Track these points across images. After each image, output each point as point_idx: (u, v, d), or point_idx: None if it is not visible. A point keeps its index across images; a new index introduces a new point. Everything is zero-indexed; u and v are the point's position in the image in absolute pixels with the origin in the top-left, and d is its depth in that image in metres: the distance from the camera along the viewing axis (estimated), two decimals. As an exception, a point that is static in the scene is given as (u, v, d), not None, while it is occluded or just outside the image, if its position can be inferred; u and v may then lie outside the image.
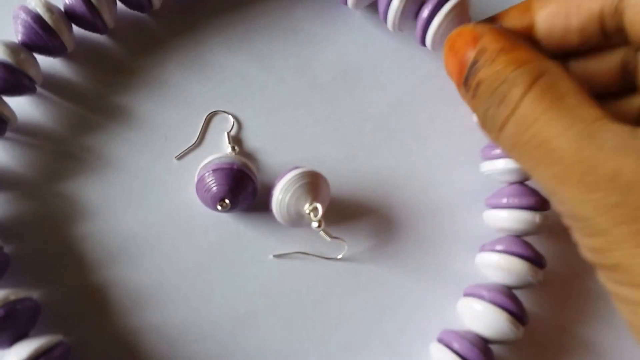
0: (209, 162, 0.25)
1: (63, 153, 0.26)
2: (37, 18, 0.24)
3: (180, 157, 0.27)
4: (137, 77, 0.27)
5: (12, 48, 0.24)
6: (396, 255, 0.26)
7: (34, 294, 0.23)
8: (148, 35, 0.28)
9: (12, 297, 0.22)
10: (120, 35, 0.27)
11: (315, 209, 0.24)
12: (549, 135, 0.18)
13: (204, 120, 0.27)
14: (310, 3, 0.29)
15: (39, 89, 0.26)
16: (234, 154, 0.26)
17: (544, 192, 0.19)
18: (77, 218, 0.26)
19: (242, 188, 0.25)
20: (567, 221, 0.19)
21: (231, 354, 0.25)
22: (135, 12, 0.27)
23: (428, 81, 0.28)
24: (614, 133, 0.17)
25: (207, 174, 0.24)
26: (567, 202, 0.18)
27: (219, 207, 0.24)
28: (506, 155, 0.23)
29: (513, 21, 0.23)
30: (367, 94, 0.28)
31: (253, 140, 0.27)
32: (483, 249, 0.25)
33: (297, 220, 0.25)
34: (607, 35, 0.21)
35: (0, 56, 0.24)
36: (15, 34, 0.25)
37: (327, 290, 0.26)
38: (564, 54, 0.23)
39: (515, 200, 0.24)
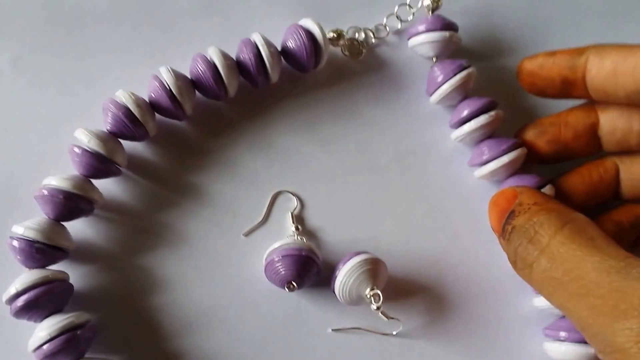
0: (279, 247, 0.26)
1: (142, 228, 0.27)
2: (127, 112, 0.25)
3: (247, 234, 0.28)
4: (209, 157, 0.28)
5: (103, 139, 0.25)
6: (449, 334, 0.27)
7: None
8: (220, 118, 0.29)
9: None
10: (195, 119, 0.29)
11: (376, 296, 0.25)
12: (583, 270, 0.19)
13: (269, 199, 0.28)
14: (370, 89, 0.30)
15: (123, 170, 0.28)
16: (298, 235, 0.27)
17: (577, 326, 0.19)
18: (153, 290, 0.27)
19: (308, 272, 0.26)
20: (603, 357, 0.19)
21: None
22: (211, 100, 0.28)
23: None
24: None
25: (276, 259, 0.25)
26: (601, 333, 0.18)
27: (287, 289, 0.25)
28: (537, 292, 0.25)
29: (579, 117, 0.27)
30: (421, 176, 0.29)
31: (314, 219, 0.28)
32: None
33: (357, 302, 0.26)
34: None
35: (93, 147, 0.25)
36: (104, 124, 0.26)
37: (381, 365, 0.27)
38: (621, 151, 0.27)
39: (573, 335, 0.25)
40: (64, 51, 0.29)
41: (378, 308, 0.25)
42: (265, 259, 0.26)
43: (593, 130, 0.27)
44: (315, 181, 0.29)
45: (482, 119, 0.27)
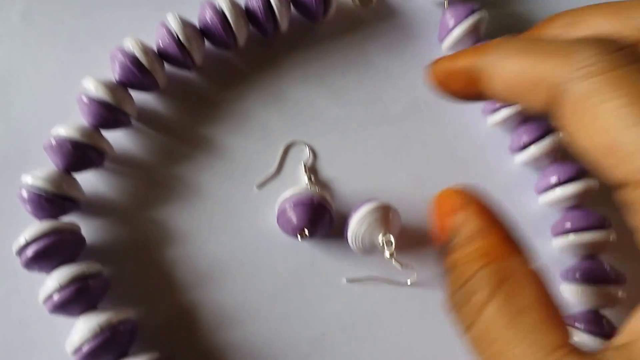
0: (291, 196, 0.25)
1: (154, 181, 0.27)
2: (134, 60, 0.25)
3: (260, 186, 0.27)
4: (220, 109, 0.28)
5: (110, 88, 0.25)
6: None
7: (131, 314, 0.24)
8: (231, 70, 0.28)
9: (114, 320, 0.23)
10: (206, 70, 0.28)
11: (389, 242, 0.24)
12: None
13: (281, 150, 0.28)
14: (381, 38, 0.29)
15: (133, 122, 0.27)
16: (311, 186, 0.27)
17: None
18: (167, 243, 0.26)
19: (320, 219, 0.25)
20: None
21: (309, 375, 0.25)
22: (221, 50, 0.28)
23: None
24: None
25: (288, 207, 0.25)
26: None
27: (299, 237, 0.25)
28: None
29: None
30: (434, 125, 0.28)
31: (327, 170, 0.28)
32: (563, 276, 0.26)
33: (371, 250, 0.25)
34: None
35: (100, 96, 0.25)
36: (112, 73, 0.26)
37: (397, 315, 0.26)
38: None
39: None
40: (74, 4, 0.29)
41: (391, 255, 0.25)
42: (277, 208, 0.26)
43: None
44: (328, 132, 0.28)
45: None
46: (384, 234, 0.24)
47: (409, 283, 0.26)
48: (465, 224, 0.19)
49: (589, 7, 0.21)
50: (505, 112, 0.26)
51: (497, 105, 0.26)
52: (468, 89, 0.20)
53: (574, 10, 0.21)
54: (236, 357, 0.25)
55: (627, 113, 0.15)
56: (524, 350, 0.15)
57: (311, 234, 0.25)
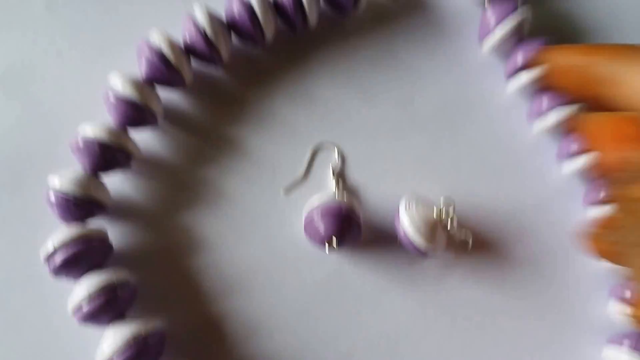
0: (318, 205, 0.24)
1: (180, 184, 0.26)
2: (161, 56, 0.23)
3: (287, 192, 0.26)
4: (247, 109, 0.27)
5: (137, 85, 0.23)
6: (505, 289, 0.25)
7: (160, 325, 0.23)
8: (258, 67, 0.27)
9: (144, 332, 0.22)
10: (233, 67, 0.27)
11: (448, 204, 0.24)
12: None
13: (309, 152, 0.26)
14: (411, 35, 0.27)
15: (159, 121, 0.26)
16: (339, 192, 0.25)
17: None
18: (193, 249, 0.25)
19: (348, 229, 0.24)
20: None
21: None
22: (248, 46, 0.26)
23: (527, 119, 0.27)
24: None
25: (316, 217, 0.24)
26: None
27: (326, 248, 0.24)
28: None
29: None
30: (466, 129, 0.27)
31: (356, 175, 0.26)
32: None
33: (434, 229, 0.24)
34: None
35: (128, 94, 0.23)
36: (139, 68, 0.24)
37: (428, 331, 0.25)
38: None
39: None
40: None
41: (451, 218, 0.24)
42: (305, 217, 0.25)
43: None
44: (356, 135, 0.27)
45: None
46: (442, 203, 0.24)
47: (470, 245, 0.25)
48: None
49: None
50: (556, 116, 0.25)
51: (546, 107, 0.25)
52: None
53: None
54: (265, 369, 0.25)
55: None
56: None
57: (339, 244, 0.24)
